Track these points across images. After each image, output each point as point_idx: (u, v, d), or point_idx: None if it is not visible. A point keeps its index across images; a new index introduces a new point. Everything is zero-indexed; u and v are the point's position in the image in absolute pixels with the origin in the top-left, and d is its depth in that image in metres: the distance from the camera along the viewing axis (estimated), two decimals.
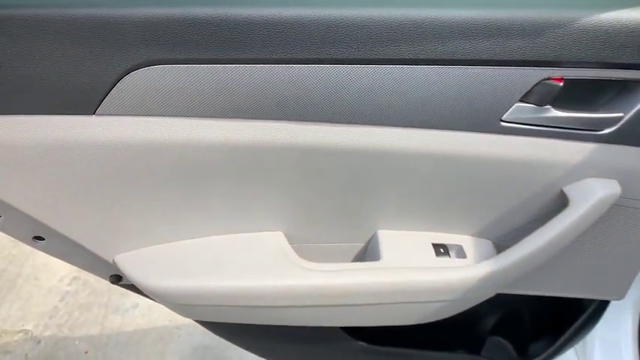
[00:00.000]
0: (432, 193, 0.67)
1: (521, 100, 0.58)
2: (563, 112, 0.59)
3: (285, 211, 0.68)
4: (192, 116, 0.57)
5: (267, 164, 0.61)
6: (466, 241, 0.73)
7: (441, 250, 0.72)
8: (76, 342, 1.54)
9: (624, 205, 0.67)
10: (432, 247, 0.72)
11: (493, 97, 0.58)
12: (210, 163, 0.60)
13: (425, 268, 0.68)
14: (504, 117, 0.59)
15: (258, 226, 0.69)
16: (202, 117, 0.57)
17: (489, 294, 0.72)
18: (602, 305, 0.89)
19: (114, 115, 0.55)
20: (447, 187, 0.66)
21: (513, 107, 0.59)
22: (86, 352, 1.50)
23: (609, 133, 0.61)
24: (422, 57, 0.55)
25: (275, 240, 0.70)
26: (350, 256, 0.77)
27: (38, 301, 1.67)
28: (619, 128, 0.60)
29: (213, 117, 0.57)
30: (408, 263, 0.69)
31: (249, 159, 0.60)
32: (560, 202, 0.66)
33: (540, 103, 0.59)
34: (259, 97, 0.56)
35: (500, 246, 0.75)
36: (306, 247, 0.73)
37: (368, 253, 0.75)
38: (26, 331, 1.56)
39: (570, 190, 0.64)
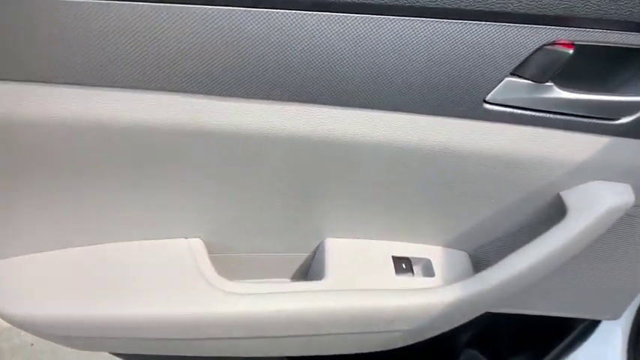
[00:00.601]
0: (393, 193, 0.51)
1: (513, 74, 0.43)
2: (570, 92, 0.44)
3: (203, 212, 0.52)
4: (37, 81, 0.39)
5: (173, 150, 0.45)
6: (436, 253, 0.58)
7: (404, 266, 0.57)
8: (22, 333, 1.40)
9: (636, 216, 0.52)
10: (391, 261, 0.57)
11: (475, 66, 0.42)
12: (86, 145, 0.43)
13: (380, 292, 0.53)
14: (489, 97, 0.43)
15: (167, 231, 0.53)
16: (57, 83, 0.39)
17: (463, 320, 0.58)
18: (594, 323, 0.76)
19: None
20: (412, 186, 0.50)
21: (502, 83, 0.43)
22: (32, 345, 1.37)
23: (627, 123, 0.46)
24: (373, 1, 0.38)
25: (188, 250, 0.54)
26: (289, 271, 0.61)
27: None
28: None
29: (80, 84, 0.40)
30: (358, 284, 0.54)
31: (147, 142, 0.43)
32: (557, 211, 0.51)
33: (540, 79, 0.43)
34: (147, 57, 0.39)
35: (479, 260, 0.60)
36: (231, 259, 0.58)
37: (312, 268, 0.60)
38: None
39: (570, 196, 0.50)
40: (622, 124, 0.46)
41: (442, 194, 0.52)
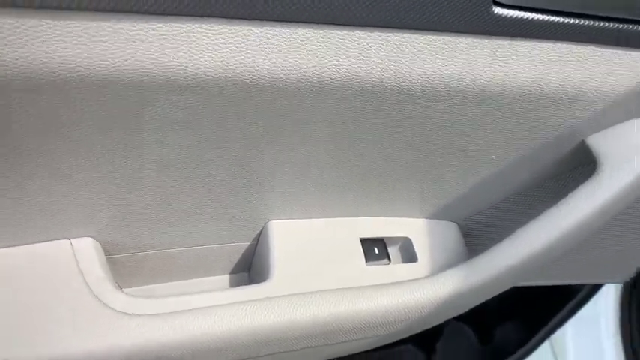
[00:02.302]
0: (358, 151, 0.36)
1: None
2: None
3: (93, 198, 0.35)
4: None
5: (32, 103, 0.27)
6: (417, 229, 0.44)
7: (376, 250, 0.43)
8: None
9: None
10: (359, 245, 0.42)
11: None
12: None
13: (346, 293, 0.38)
14: None
15: (42, 230, 0.36)
16: None
17: (458, 312, 0.45)
18: (596, 286, 0.66)
19: None
20: (383, 139, 0.35)
21: None
22: None
23: None
24: None
25: (72, 256, 0.37)
26: (223, 268, 0.46)
27: None
28: None
29: None
30: (316, 282, 0.39)
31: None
32: (580, 163, 0.37)
33: None
34: None
35: (470, 231, 0.47)
36: (140, 259, 0.42)
37: (254, 263, 0.45)
38: None
39: (600, 143, 0.36)
40: None
41: (426, 146, 0.37)
